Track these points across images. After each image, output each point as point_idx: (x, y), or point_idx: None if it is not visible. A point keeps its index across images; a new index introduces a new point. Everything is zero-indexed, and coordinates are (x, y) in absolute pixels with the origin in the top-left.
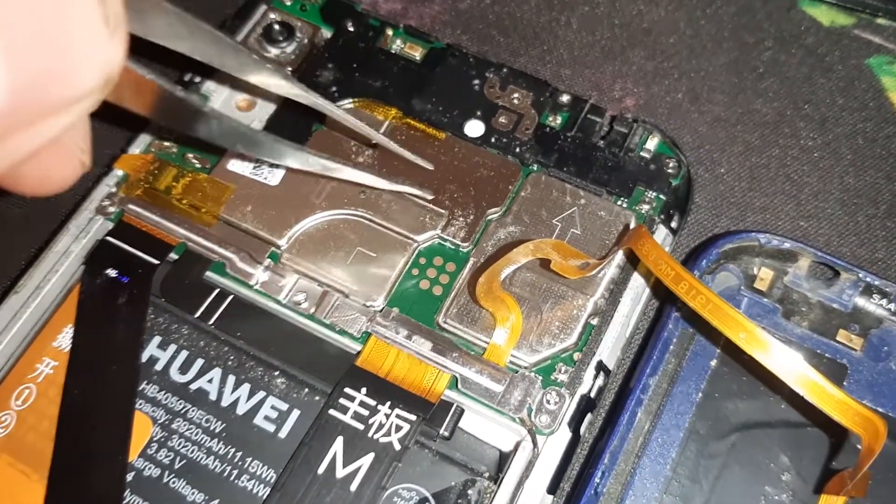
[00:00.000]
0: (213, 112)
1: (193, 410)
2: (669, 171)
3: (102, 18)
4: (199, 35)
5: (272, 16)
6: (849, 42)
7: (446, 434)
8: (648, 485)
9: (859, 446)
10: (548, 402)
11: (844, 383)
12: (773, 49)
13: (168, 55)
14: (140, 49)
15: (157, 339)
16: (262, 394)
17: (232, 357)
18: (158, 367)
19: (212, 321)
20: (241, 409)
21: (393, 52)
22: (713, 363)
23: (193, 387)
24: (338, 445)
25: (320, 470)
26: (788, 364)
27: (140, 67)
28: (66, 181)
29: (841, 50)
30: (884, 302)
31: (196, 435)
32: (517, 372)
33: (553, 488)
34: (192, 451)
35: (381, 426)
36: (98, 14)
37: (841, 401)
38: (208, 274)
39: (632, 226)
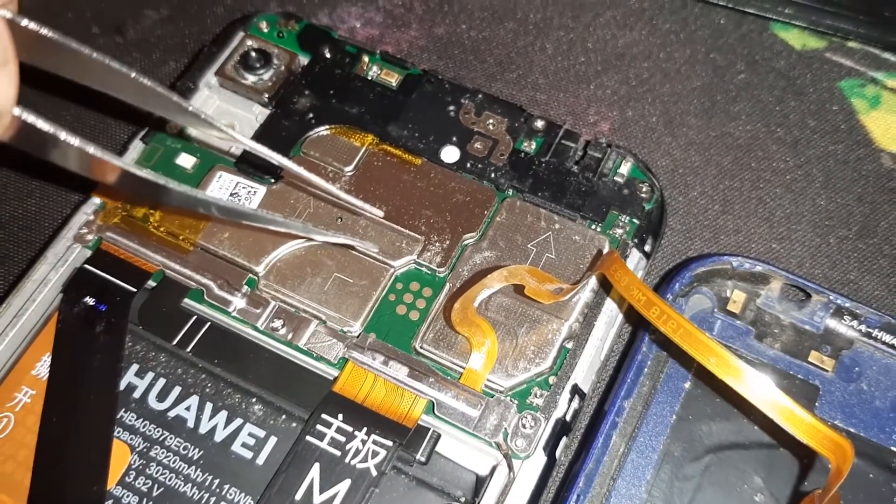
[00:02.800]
0: (172, 185)
1: (171, 438)
2: (643, 195)
3: None
4: (154, 97)
5: (249, 43)
6: (820, 65)
7: (423, 459)
8: None
9: (830, 466)
10: (523, 426)
11: (816, 404)
12: (745, 72)
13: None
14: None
15: (135, 367)
16: (239, 421)
17: (209, 384)
18: (136, 394)
19: (189, 348)
20: (219, 437)
21: (370, 78)
22: (687, 386)
23: (171, 414)
24: (315, 472)
25: (297, 496)
26: (758, 389)
27: (109, 156)
28: None
29: (812, 73)
30: (855, 323)
31: (174, 462)
32: (493, 396)
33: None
34: (171, 479)
35: (357, 452)
36: None
37: (810, 425)
38: (186, 301)
39: (605, 250)
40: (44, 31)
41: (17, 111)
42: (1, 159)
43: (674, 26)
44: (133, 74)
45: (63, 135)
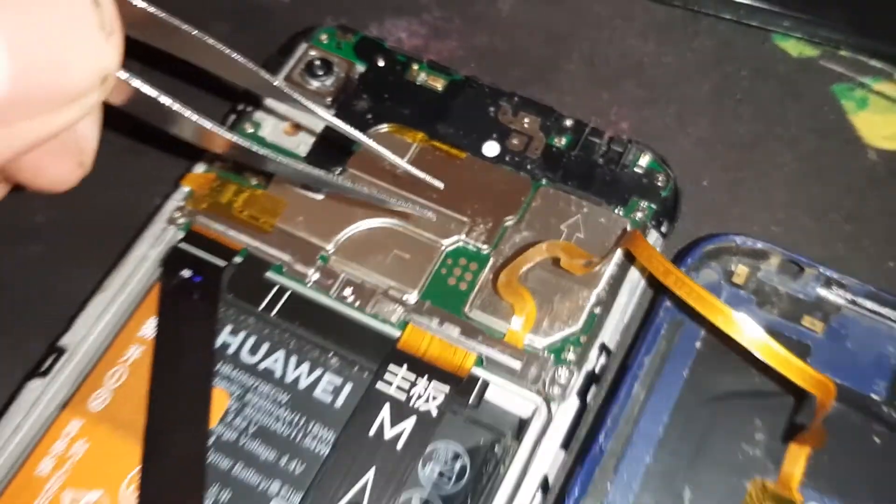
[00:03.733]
0: (263, 151)
1: (263, 385)
2: (659, 184)
3: (98, 23)
4: (244, 72)
5: (312, 53)
6: (815, 71)
7: (474, 403)
8: (644, 444)
9: (816, 402)
10: (559, 376)
11: (808, 359)
12: (748, 78)
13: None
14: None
15: (228, 328)
16: (319, 370)
17: (292, 341)
18: (230, 350)
19: (273, 313)
20: (303, 384)
21: (418, 83)
22: (698, 344)
23: (261, 366)
24: (385, 412)
25: (371, 432)
26: (756, 337)
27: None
28: (64, 180)
29: (808, 78)
30: (841, 292)
31: (266, 405)
32: (532, 352)
33: (566, 444)
34: (264, 418)
35: (419, 396)
36: (93, 18)
37: (798, 366)
38: (268, 274)
39: (628, 230)
40: (146, 6)
41: (123, 75)
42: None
43: (685, 38)
44: (227, 51)
45: (163, 98)
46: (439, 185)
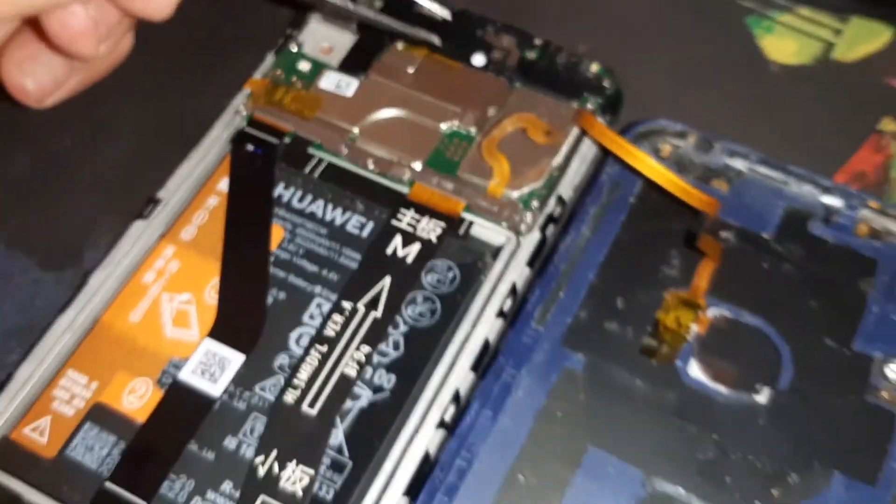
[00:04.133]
0: None
1: (308, 222)
2: (605, 85)
3: None
4: None
5: None
6: (733, 7)
7: (463, 235)
8: (588, 266)
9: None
10: (525, 217)
11: (718, 213)
12: (682, 11)
13: None
14: None
15: (282, 184)
16: (349, 213)
17: (330, 194)
18: (284, 199)
19: (315, 175)
20: (338, 222)
21: (426, 14)
22: (631, 199)
23: (307, 210)
24: (397, 240)
25: (387, 253)
26: (660, 170)
27: None
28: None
29: (727, 12)
30: (741, 161)
31: (310, 235)
32: (507, 201)
33: (530, 263)
34: (309, 244)
35: (423, 229)
36: None
37: (688, 189)
38: (310, 149)
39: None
40: None
41: None
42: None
43: None
44: None
45: None
46: (446, 13)
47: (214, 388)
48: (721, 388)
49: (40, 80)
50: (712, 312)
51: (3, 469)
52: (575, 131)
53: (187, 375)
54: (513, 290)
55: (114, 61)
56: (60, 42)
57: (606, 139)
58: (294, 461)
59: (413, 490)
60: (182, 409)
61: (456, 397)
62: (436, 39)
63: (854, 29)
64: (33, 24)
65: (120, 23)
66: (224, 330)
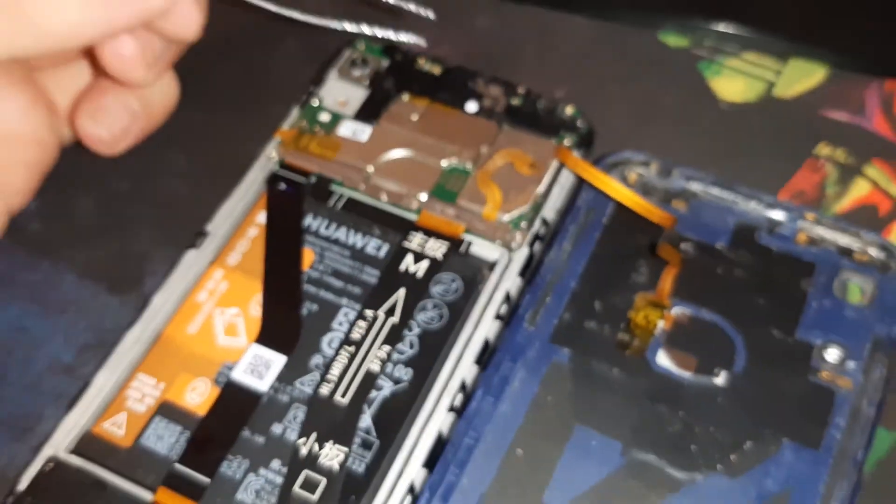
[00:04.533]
0: None
1: (333, 246)
2: (579, 125)
3: None
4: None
5: (354, 54)
6: (686, 55)
7: (463, 252)
8: (570, 276)
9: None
10: (516, 236)
11: (676, 226)
12: (642, 61)
13: None
14: None
15: (310, 215)
16: (367, 237)
17: (351, 222)
18: (313, 228)
19: (339, 207)
20: (358, 245)
21: (424, 70)
22: (604, 219)
23: (332, 236)
24: (409, 258)
25: (401, 269)
26: (625, 193)
27: None
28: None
29: (681, 59)
30: (697, 185)
31: (336, 257)
32: (499, 223)
33: (522, 274)
34: (335, 264)
35: (430, 249)
36: None
37: (648, 207)
38: (332, 186)
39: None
40: None
41: None
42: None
43: (599, 40)
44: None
45: None
46: (429, 13)
47: (262, 385)
48: (685, 374)
49: (112, 128)
50: (676, 311)
51: (88, 458)
52: (555, 164)
53: (239, 375)
54: (507, 297)
55: (166, 110)
56: (116, 70)
57: (582, 170)
58: (331, 441)
59: (430, 463)
60: (235, 402)
61: (463, 387)
62: (430, 14)
63: (792, 69)
64: (99, 80)
65: (164, 50)
66: (268, 336)
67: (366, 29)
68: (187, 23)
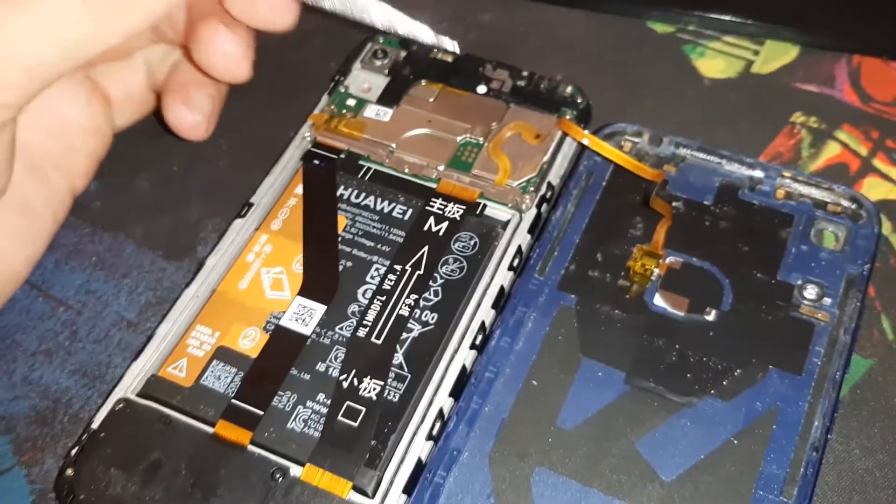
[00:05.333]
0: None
1: (363, 212)
2: (578, 101)
3: None
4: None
5: (376, 46)
6: (673, 39)
7: (479, 214)
8: (574, 231)
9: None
10: (525, 199)
11: (667, 188)
12: (632, 43)
13: None
14: None
15: (342, 186)
16: (393, 203)
17: (378, 191)
18: (344, 196)
19: (367, 178)
20: (385, 210)
21: (438, 58)
22: (603, 183)
23: (362, 203)
24: (431, 220)
25: (424, 229)
26: (617, 155)
27: None
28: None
29: (668, 42)
30: (684, 150)
31: (366, 221)
32: (510, 188)
33: (531, 231)
34: (365, 227)
35: (449, 211)
36: None
37: (639, 165)
38: (360, 161)
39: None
40: None
41: None
42: (246, 100)
43: (591, 28)
44: None
45: None
46: (453, 45)
47: (306, 330)
48: (679, 313)
49: (203, 114)
50: (669, 259)
51: (154, 398)
52: (558, 134)
53: (286, 322)
54: (519, 251)
55: (226, 94)
56: (221, 68)
57: (582, 137)
58: (368, 376)
59: (455, 393)
60: (283, 345)
61: (482, 328)
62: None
63: (768, 49)
64: (180, 73)
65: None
66: (310, 289)
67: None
68: (281, 13)
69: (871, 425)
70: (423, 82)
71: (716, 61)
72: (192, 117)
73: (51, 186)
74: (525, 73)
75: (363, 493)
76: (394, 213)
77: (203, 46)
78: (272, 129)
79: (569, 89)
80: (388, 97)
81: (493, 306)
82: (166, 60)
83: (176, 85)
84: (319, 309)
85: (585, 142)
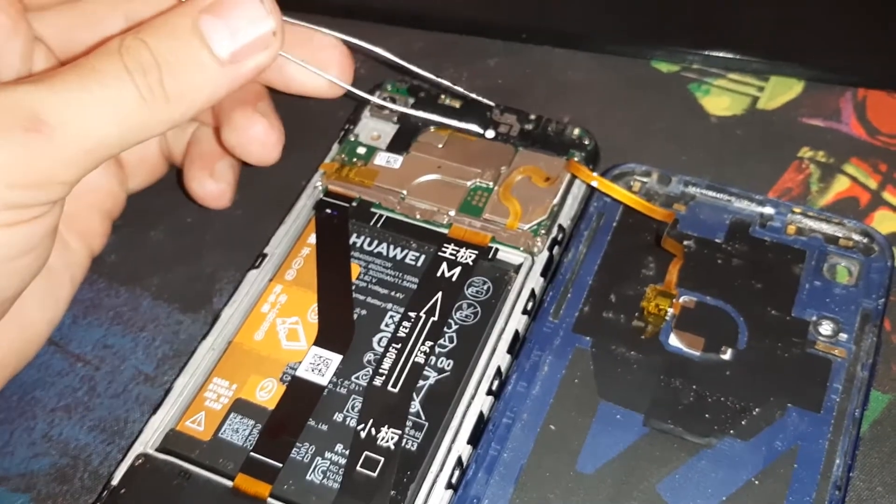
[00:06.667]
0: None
1: (376, 259)
2: (586, 143)
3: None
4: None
5: (384, 94)
6: (678, 78)
7: (491, 258)
8: (587, 273)
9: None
10: (536, 242)
11: (678, 225)
12: (637, 84)
13: None
14: None
15: (354, 234)
16: (406, 250)
17: (390, 238)
18: (357, 244)
19: (379, 225)
20: (398, 257)
21: (446, 104)
22: (614, 223)
23: (375, 251)
24: (444, 266)
25: (437, 275)
26: (628, 196)
27: None
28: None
29: (674, 82)
30: (693, 188)
31: (379, 268)
32: (521, 231)
33: (544, 274)
34: (378, 275)
35: (462, 257)
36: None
37: (649, 206)
38: (372, 208)
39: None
40: None
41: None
42: None
43: (595, 69)
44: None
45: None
46: (490, 103)
47: (322, 380)
48: (695, 352)
49: (228, 181)
50: (683, 298)
51: (173, 453)
52: (567, 177)
53: (302, 373)
54: (532, 295)
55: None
56: (255, 156)
57: (591, 179)
58: (386, 426)
59: (473, 440)
60: (300, 396)
61: (498, 373)
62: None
63: (773, 85)
64: (202, 148)
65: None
66: (325, 338)
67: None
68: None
69: (893, 461)
70: (432, 129)
71: (721, 99)
72: (217, 187)
73: (70, 250)
74: (532, 117)
75: None
76: (407, 260)
77: (238, 133)
78: (284, 178)
79: (576, 131)
80: (398, 144)
81: (509, 351)
82: (181, 131)
83: (198, 157)
84: (335, 358)
85: (594, 184)
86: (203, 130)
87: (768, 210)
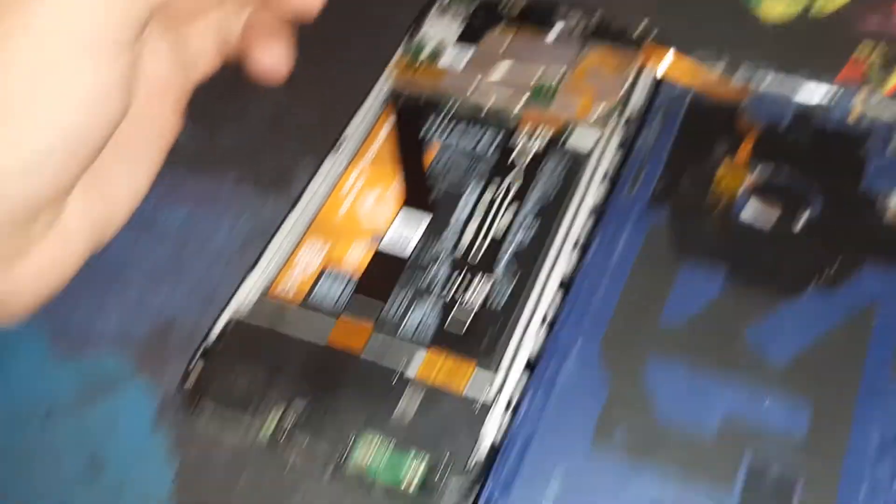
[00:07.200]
0: None
1: (450, 149)
2: (651, 36)
3: None
4: None
5: None
6: None
7: (565, 140)
8: (662, 152)
9: None
10: (609, 125)
11: (746, 113)
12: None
13: None
14: None
15: (426, 126)
16: (480, 134)
17: (463, 123)
18: (432, 130)
19: (452, 112)
20: (471, 146)
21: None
22: (685, 108)
23: (446, 141)
24: (519, 147)
25: (513, 155)
26: (693, 70)
27: None
28: None
29: None
30: (760, 74)
31: (455, 158)
32: (592, 115)
33: (616, 156)
34: (455, 163)
35: (535, 141)
36: None
37: (723, 81)
38: (442, 102)
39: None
40: None
41: None
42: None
43: None
44: None
45: None
46: None
47: (410, 243)
48: (769, 221)
49: (284, 58)
50: (755, 173)
51: (265, 317)
52: (637, 64)
53: (390, 236)
54: (605, 174)
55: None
56: (298, 4)
57: (665, 62)
58: (474, 284)
59: (565, 285)
60: (389, 258)
61: (577, 242)
62: None
63: None
64: (256, 21)
65: None
66: (411, 204)
67: None
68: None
69: None
70: (498, 30)
71: (775, 5)
72: (275, 63)
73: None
74: (597, 12)
75: (487, 369)
76: (481, 143)
77: None
78: (359, 70)
79: (641, 26)
80: (464, 43)
81: (587, 223)
82: (233, 24)
83: (252, 37)
84: (422, 224)
85: (666, 66)
86: (254, 16)
87: (834, 95)
